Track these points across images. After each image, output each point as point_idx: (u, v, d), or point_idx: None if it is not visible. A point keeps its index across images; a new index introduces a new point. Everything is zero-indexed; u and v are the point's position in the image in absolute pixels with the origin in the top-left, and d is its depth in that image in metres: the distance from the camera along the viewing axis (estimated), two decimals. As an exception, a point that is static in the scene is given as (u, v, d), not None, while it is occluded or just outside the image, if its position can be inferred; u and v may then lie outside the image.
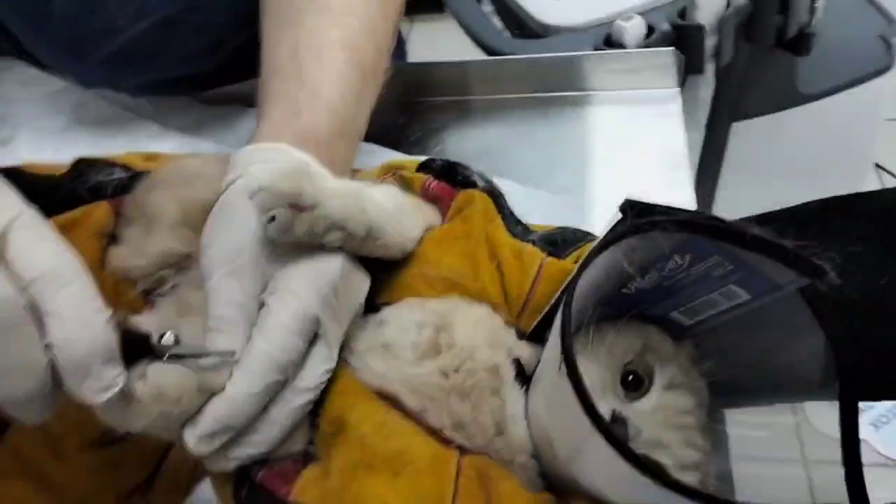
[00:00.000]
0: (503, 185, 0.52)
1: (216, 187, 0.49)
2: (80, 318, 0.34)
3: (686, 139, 0.75)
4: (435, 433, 0.42)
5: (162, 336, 0.39)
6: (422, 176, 0.50)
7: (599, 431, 0.32)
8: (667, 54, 0.78)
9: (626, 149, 0.76)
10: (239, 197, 0.44)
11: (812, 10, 1.02)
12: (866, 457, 0.41)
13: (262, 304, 0.41)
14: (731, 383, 0.44)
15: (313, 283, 0.41)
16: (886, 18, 1.20)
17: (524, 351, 0.45)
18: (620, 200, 0.36)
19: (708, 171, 1.16)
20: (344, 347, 0.44)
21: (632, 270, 0.36)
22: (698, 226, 0.35)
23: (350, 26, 0.57)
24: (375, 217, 0.42)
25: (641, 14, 0.86)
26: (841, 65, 1.17)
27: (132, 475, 0.50)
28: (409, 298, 0.45)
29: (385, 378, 0.43)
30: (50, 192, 0.52)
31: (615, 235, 0.34)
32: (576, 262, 0.45)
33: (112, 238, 0.55)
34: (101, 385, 0.35)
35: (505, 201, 0.49)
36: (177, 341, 0.39)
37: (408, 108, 0.83)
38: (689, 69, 0.85)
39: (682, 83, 0.83)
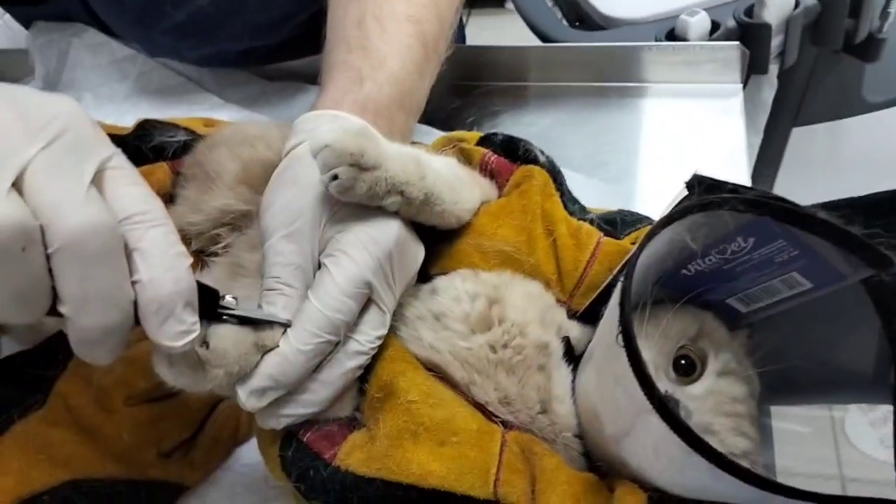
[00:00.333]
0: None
1: (277, 148, 0.50)
2: (166, 260, 0.34)
3: (746, 137, 0.74)
4: (480, 407, 0.42)
5: (224, 297, 0.39)
6: (481, 150, 0.50)
7: (653, 405, 0.32)
8: (731, 48, 0.76)
9: (683, 143, 0.75)
10: (301, 160, 0.44)
11: (884, 15, 1.00)
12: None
13: (319, 266, 0.41)
14: (780, 376, 0.43)
15: (370, 248, 0.41)
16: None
17: (574, 330, 0.45)
18: (687, 177, 0.35)
19: (764, 176, 1.14)
20: (395, 315, 0.44)
21: (695, 247, 0.36)
22: (767, 206, 0.34)
23: (416, 1, 0.57)
24: (434, 184, 0.42)
25: (707, 10, 0.84)
26: (910, 74, 1.14)
27: (175, 433, 0.51)
28: (462, 269, 0.45)
29: (434, 348, 0.43)
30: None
31: (681, 210, 0.34)
32: (633, 244, 0.45)
33: (170, 198, 0.56)
34: (181, 329, 0.35)
35: (564, 179, 0.49)
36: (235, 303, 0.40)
37: (464, 92, 0.83)
38: (752, 68, 0.83)
39: (745, 82, 0.81)
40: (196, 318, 0.36)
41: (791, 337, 0.44)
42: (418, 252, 0.45)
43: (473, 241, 0.46)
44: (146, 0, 0.73)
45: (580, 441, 0.43)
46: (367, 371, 0.43)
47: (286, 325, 0.40)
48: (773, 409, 0.47)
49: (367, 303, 0.41)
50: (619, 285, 0.35)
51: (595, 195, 0.54)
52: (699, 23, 0.84)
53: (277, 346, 0.40)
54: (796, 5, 0.88)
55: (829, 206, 0.37)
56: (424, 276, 0.46)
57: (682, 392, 0.40)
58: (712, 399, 0.40)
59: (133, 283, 0.34)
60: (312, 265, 0.42)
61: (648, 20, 0.94)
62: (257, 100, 0.84)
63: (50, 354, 0.49)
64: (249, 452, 0.54)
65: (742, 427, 0.40)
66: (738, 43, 0.77)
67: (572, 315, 0.45)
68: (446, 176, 0.44)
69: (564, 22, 1.05)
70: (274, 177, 0.45)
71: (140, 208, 0.35)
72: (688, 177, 0.35)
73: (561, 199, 0.47)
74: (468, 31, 1.11)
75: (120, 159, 0.35)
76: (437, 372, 0.43)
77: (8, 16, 0.97)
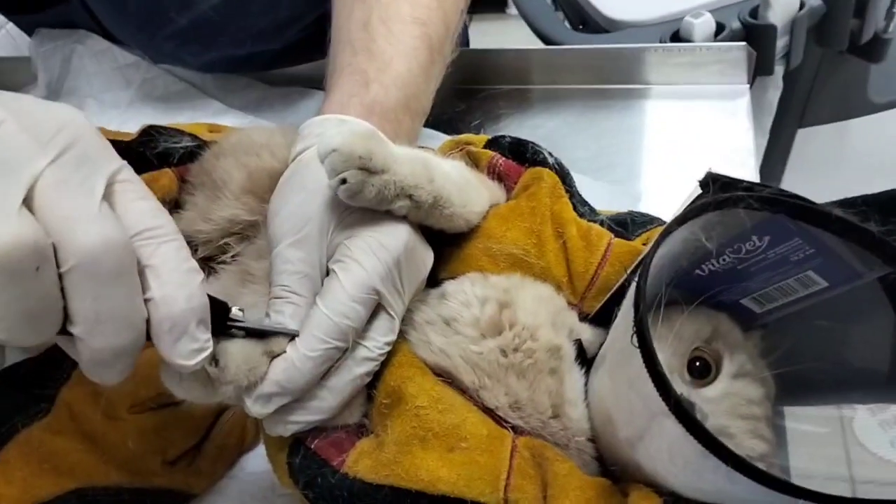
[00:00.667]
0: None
1: (282, 156, 0.49)
2: (178, 276, 0.33)
3: (754, 138, 0.73)
4: (490, 412, 0.42)
5: (231, 309, 0.39)
6: (489, 153, 0.50)
7: (669, 407, 0.31)
8: (738, 49, 0.76)
9: (689, 144, 0.74)
10: (308, 165, 0.44)
11: (890, 16, 0.99)
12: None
13: (328, 272, 0.41)
14: (794, 377, 0.43)
15: (378, 253, 0.40)
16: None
17: (586, 332, 0.44)
18: (700, 175, 0.34)
19: (770, 178, 1.14)
20: (404, 320, 0.43)
21: (710, 246, 0.35)
22: (782, 204, 0.33)
23: (421, 2, 0.57)
24: (443, 187, 0.42)
25: (711, 11, 0.84)
26: (916, 74, 1.14)
27: (180, 441, 0.51)
28: (472, 273, 0.45)
29: (444, 353, 0.43)
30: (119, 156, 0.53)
31: (696, 209, 0.33)
32: (645, 245, 0.44)
33: (175, 205, 0.56)
34: (194, 347, 0.34)
35: (573, 181, 0.48)
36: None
37: (468, 95, 0.82)
38: (757, 70, 0.83)
39: (751, 84, 0.81)
40: (209, 335, 0.35)
41: (805, 337, 0.43)
42: (427, 257, 0.44)
43: (482, 244, 0.45)
44: (149, 6, 0.73)
45: (593, 445, 0.42)
46: (375, 377, 0.42)
47: (294, 336, 0.39)
48: (787, 409, 0.47)
49: (376, 308, 0.41)
50: (633, 285, 0.34)
51: (602, 197, 0.54)
52: (704, 24, 0.83)
53: (284, 352, 0.39)
54: (801, 6, 0.88)
55: (845, 203, 0.36)
56: (433, 280, 0.45)
57: (697, 395, 0.39)
58: (728, 401, 0.39)
59: (145, 300, 0.33)
60: (320, 272, 0.41)
61: (652, 22, 0.94)
62: (261, 105, 0.83)
63: (54, 363, 0.49)
64: (256, 461, 0.54)
65: (758, 429, 0.39)
66: (744, 44, 0.76)
67: (584, 318, 0.44)
68: (455, 179, 0.44)
69: (567, 25, 1.05)
70: (281, 183, 0.45)
71: (151, 223, 0.34)
72: (701, 175, 0.35)
73: (570, 201, 0.47)
74: (470, 37, 1.11)
75: (128, 172, 0.34)
76: (445, 377, 0.43)
77: (10, 24, 0.97)
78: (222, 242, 0.50)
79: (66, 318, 0.31)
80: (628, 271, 0.40)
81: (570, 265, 0.44)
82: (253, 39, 0.78)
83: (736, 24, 0.85)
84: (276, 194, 0.44)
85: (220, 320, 0.37)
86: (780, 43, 0.88)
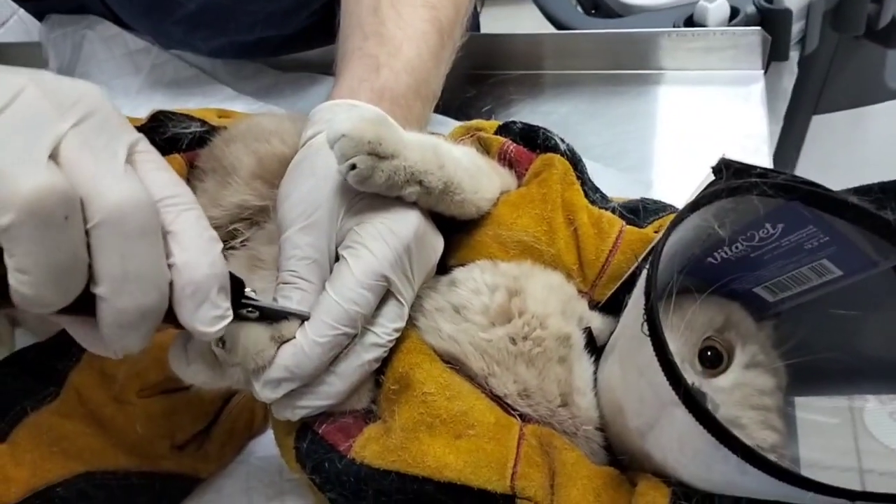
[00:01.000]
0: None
1: (292, 142, 0.49)
2: (200, 243, 0.33)
3: (768, 124, 0.72)
4: (498, 399, 0.42)
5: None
6: (500, 139, 0.49)
7: (679, 397, 0.31)
8: (753, 34, 0.75)
9: (702, 131, 0.73)
10: (318, 150, 0.44)
11: (908, -1, 0.97)
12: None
13: (337, 258, 0.41)
14: (806, 367, 0.42)
15: (388, 239, 0.40)
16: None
17: (596, 321, 0.44)
18: (713, 161, 0.34)
19: (783, 165, 1.12)
20: (414, 306, 0.43)
21: (723, 233, 0.34)
22: (797, 190, 0.33)
23: None
24: (453, 172, 0.41)
25: (726, -4, 0.83)
26: (935, 60, 1.12)
27: (189, 425, 0.51)
28: (482, 260, 0.44)
29: (453, 339, 0.42)
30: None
31: (708, 195, 0.33)
32: (657, 232, 0.44)
33: (185, 190, 0.56)
34: (216, 313, 0.34)
35: (584, 168, 0.48)
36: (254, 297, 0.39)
37: (479, 81, 0.82)
38: (772, 55, 0.82)
39: (766, 69, 0.80)
40: (229, 303, 0.35)
41: (817, 326, 0.42)
42: (437, 243, 0.44)
43: (492, 231, 0.45)
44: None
45: (601, 434, 0.42)
46: (383, 363, 0.42)
47: (305, 318, 0.39)
48: (798, 399, 0.46)
49: (385, 295, 0.41)
50: (643, 273, 0.34)
51: (613, 184, 0.53)
52: (718, 9, 0.82)
53: (293, 337, 0.39)
54: (818, -10, 0.87)
55: (861, 190, 0.36)
56: (443, 267, 0.45)
57: (709, 384, 0.39)
58: (739, 392, 0.39)
59: (169, 265, 0.33)
60: (329, 258, 0.41)
61: (665, 6, 0.92)
62: (270, 91, 0.83)
63: (63, 346, 0.49)
64: (264, 445, 0.54)
65: (770, 420, 0.39)
66: (759, 28, 0.75)
67: (594, 305, 0.44)
68: (466, 165, 0.43)
69: (580, 9, 1.03)
70: (290, 168, 0.45)
71: (171, 192, 0.34)
72: (714, 161, 0.34)
73: (582, 188, 0.46)
74: (481, 22, 1.10)
75: (146, 144, 0.34)
76: (454, 364, 0.43)
77: (21, 10, 0.97)
78: (231, 228, 0.50)
79: (90, 279, 0.31)
80: (640, 259, 0.40)
81: (581, 253, 0.44)
82: (262, 24, 0.78)
83: (750, 9, 0.83)
84: (286, 179, 0.44)
85: (236, 297, 0.37)
86: (796, 28, 0.87)
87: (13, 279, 0.29)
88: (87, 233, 0.30)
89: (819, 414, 0.46)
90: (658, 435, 0.36)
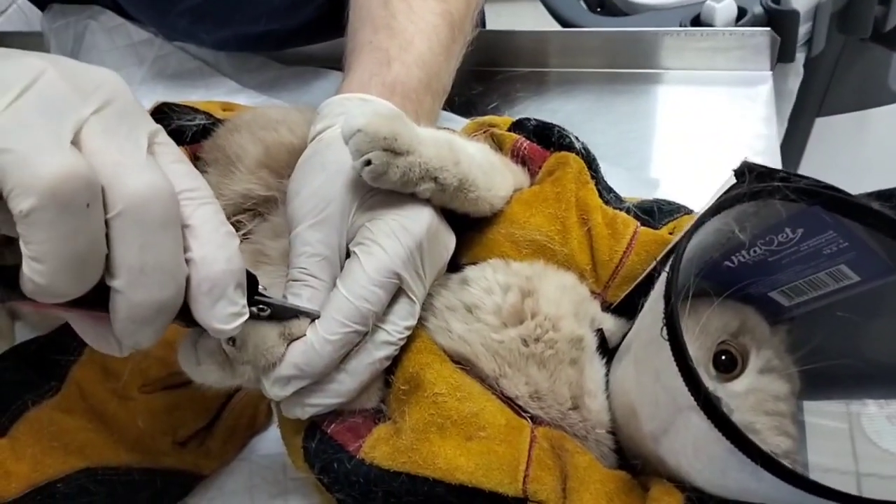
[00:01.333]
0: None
1: (300, 133, 0.48)
2: (217, 237, 0.33)
3: (777, 125, 0.72)
4: (509, 401, 0.41)
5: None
6: (513, 136, 0.49)
7: (698, 403, 0.30)
8: (762, 35, 0.74)
9: (708, 131, 0.73)
10: (329, 145, 0.43)
11: (915, 3, 0.97)
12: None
13: (348, 254, 0.40)
14: (818, 372, 0.42)
15: (400, 236, 0.40)
16: None
17: (608, 322, 0.43)
18: (737, 164, 0.33)
19: (786, 167, 1.12)
20: (424, 305, 0.43)
21: (743, 237, 0.34)
22: (819, 195, 0.32)
23: None
24: (468, 169, 0.41)
25: (733, -4, 0.82)
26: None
27: (191, 421, 0.50)
28: (493, 259, 0.44)
29: (464, 340, 0.42)
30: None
31: (731, 199, 0.32)
32: (671, 234, 0.43)
33: (189, 182, 0.55)
34: (233, 310, 0.33)
35: (598, 167, 0.47)
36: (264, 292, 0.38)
37: (485, 77, 0.81)
38: (779, 57, 0.81)
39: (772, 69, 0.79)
40: (245, 300, 0.34)
41: (831, 332, 0.42)
42: (449, 241, 0.43)
43: (505, 229, 0.44)
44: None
45: (612, 437, 0.41)
46: (392, 363, 0.41)
47: (316, 317, 0.39)
48: (805, 404, 0.46)
49: (396, 292, 0.40)
50: (662, 276, 0.33)
51: (619, 184, 0.53)
52: (725, 9, 0.82)
53: (303, 334, 0.38)
54: (826, -8, 0.86)
55: (883, 195, 0.35)
56: (454, 265, 0.45)
57: (723, 389, 0.38)
58: (754, 397, 0.38)
59: (186, 260, 0.32)
60: (340, 255, 0.41)
61: (672, 6, 0.92)
62: (274, 84, 0.82)
63: (64, 340, 0.49)
64: (267, 443, 0.54)
65: (783, 426, 0.39)
66: (768, 29, 0.75)
67: (607, 307, 0.44)
68: (480, 161, 0.43)
69: (584, 6, 1.03)
70: (300, 163, 0.44)
71: (189, 184, 0.33)
72: (735, 165, 0.34)
73: (596, 188, 0.46)
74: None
75: (164, 135, 0.34)
76: (464, 365, 0.42)
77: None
78: (234, 220, 0.49)
79: (106, 270, 0.30)
80: (657, 261, 0.39)
81: (595, 253, 0.43)
82: (267, 16, 0.77)
83: (758, 9, 0.83)
84: (296, 175, 0.44)
85: (250, 293, 0.36)
86: (802, 29, 0.86)
87: (27, 267, 0.28)
88: (107, 222, 0.29)
89: (821, 418, 0.46)
90: (672, 439, 0.36)
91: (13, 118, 0.28)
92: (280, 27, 0.79)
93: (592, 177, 0.46)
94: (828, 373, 0.42)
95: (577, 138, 0.47)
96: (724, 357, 0.39)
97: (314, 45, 0.83)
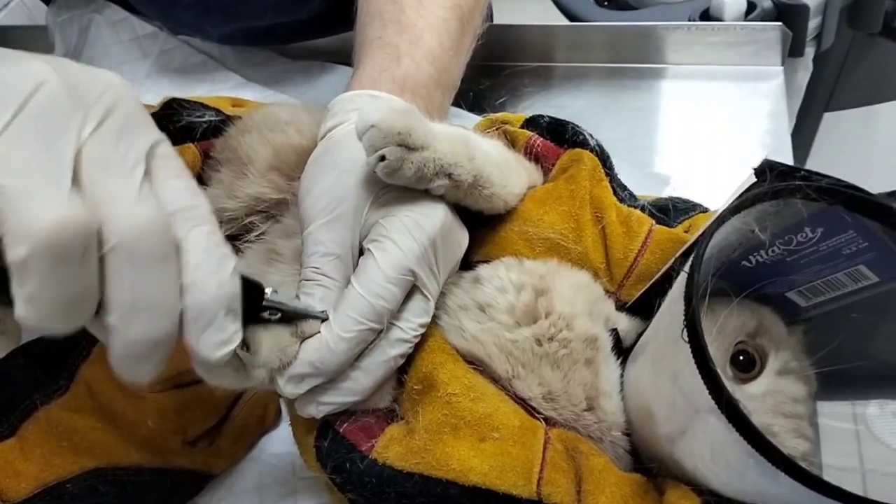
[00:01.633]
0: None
1: (308, 133, 0.48)
2: (210, 261, 0.32)
3: (788, 120, 0.71)
4: (522, 402, 0.41)
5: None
6: (526, 132, 0.48)
7: (720, 405, 0.30)
8: (773, 29, 0.74)
9: (718, 126, 0.72)
10: (340, 143, 0.42)
11: (926, -2, 0.96)
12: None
13: (362, 251, 0.40)
14: (832, 374, 0.41)
15: (415, 233, 0.39)
16: None
17: (622, 322, 0.43)
18: (757, 162, 0.33)
19: (794, 163, 1.11)
20: (436, 303, 0.42)
21: (763, 237, 0.33)
22: (841, 194, 0.32)
23: None
24: (483, 166, 0.40)
25: (743, -11, 0.82)
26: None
27: (200, 420, 0.50)
28: (507, 257, 0.43)
29: (477, 340, 0.41)
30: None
31: (752, 198, 0.32)
32: (686, 232, 0.43)
33: (199, 180, 0.54)
34: (221, 338, 0.32)
35: (612, 164, 0.47)
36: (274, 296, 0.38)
37: (493, 72, 0.80)
38: (789, 51, 0.81)
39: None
40: (238, 325, 0.33)
41: (848, 332, 0.42)
42: (463, 238, 0.43)
43: (518, 227, 0.44)
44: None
45: (627, 439, 0.41)
46: (405, 362, 0.41)
47: (326, 319, 0.38)
48: (819, 405, 0.46)
49: (410, 289, 0.40)
50: (681, 276, 0.33)
51: (628, 179, 0.52)
52: (735, 3, 0.81)
53: (317, 332, 0.38)
54: (836, -14, 0.86)
55: (899, 194, 0.35)
56: (466, 263, 0.44)
57: (741, 391, 0.38)
58: (772, 399, 0.38)
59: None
60: (353, 254, 0.40)
61: (681, 0, 0.91)
62: (280, 79, 0.82)
63: (73, 339, 0.48)
64: (277, 442, 0.53)
65: (801, 428, 0.38)
66: (780, 24, 0.74)
67: (621, 306, 0.43)
68: (495, 158, 0.42)
69: (592, 1, 1.02)
70: (311, 161, 0.44)
71: (186, 203, 0.32)
72: (756, 163, 0.33)
73: (610, 185, 0.45)
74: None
75: (166, 146, 0.33)
76: (477, 365, 0.42)
77: (24, -8, 0.96)
78: (247, 221, 0.49)
79: (100, 306, 0.29)
80: (672, 260, 0.39)
81: (609, 251, 0.43)
82: (273, 10, 0.76)
83: (767, 4, 0.82)
84: (307, 174, 0.43)
85: (255, 302, 0.36)
86: (812, 24, 0.86)
87: (20, 308, 0.27)
88: (100, 258, 0.29)
89: (829, 418, 0.45)
90: (689, 442, 0.35)
91: (9, 145, 0.27)
92: (286, 21, 0.79)
93: (607, 174, 0.45)
94: (840, 374, 0.42)
95: (591, 135, 0.47)
96: (741, 358, 0.39)
97: (321, 40, 0.82)
